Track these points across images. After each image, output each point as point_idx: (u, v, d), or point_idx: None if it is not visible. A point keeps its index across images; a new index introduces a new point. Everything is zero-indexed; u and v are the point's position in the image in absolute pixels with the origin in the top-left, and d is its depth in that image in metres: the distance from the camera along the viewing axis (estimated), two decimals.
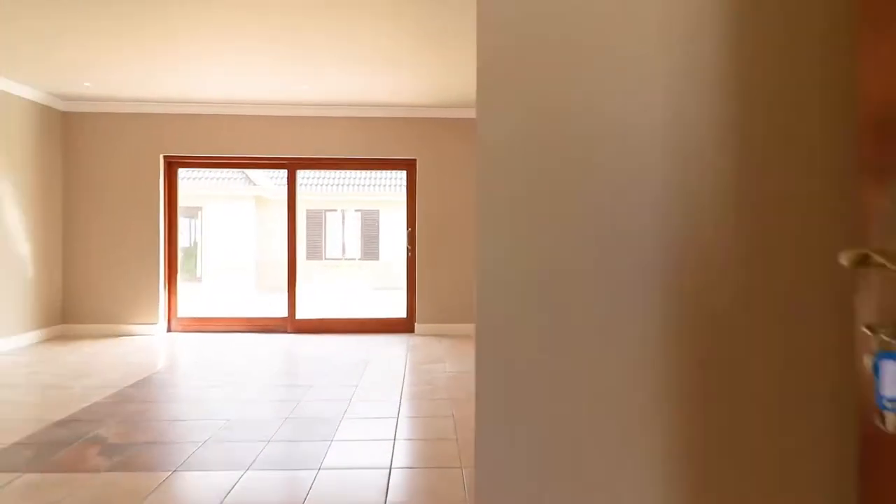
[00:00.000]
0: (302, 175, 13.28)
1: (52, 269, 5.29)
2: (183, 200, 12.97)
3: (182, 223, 14.14)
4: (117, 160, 5.43)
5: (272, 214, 12.61)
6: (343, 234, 13.53)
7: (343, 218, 13.54)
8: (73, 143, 5.40)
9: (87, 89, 4.89)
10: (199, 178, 12.06)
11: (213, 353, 4.63)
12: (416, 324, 5.62)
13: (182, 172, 12.80)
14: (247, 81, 4.65)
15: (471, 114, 5.56)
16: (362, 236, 13.53)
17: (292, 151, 5.55)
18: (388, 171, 13.76)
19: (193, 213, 12.65)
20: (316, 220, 13.37)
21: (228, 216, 12.27)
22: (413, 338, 5.44)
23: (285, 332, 5.68)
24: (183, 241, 13.46)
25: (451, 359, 4.47)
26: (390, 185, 12.96)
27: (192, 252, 13.07)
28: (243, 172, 12.12)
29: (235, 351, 4.75)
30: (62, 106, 5.33)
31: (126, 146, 5.42)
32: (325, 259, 13.37)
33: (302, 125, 5.54)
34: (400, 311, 6.04)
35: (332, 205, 13.23)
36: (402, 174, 5.92)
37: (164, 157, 5.52)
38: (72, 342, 5.06)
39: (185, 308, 6.01)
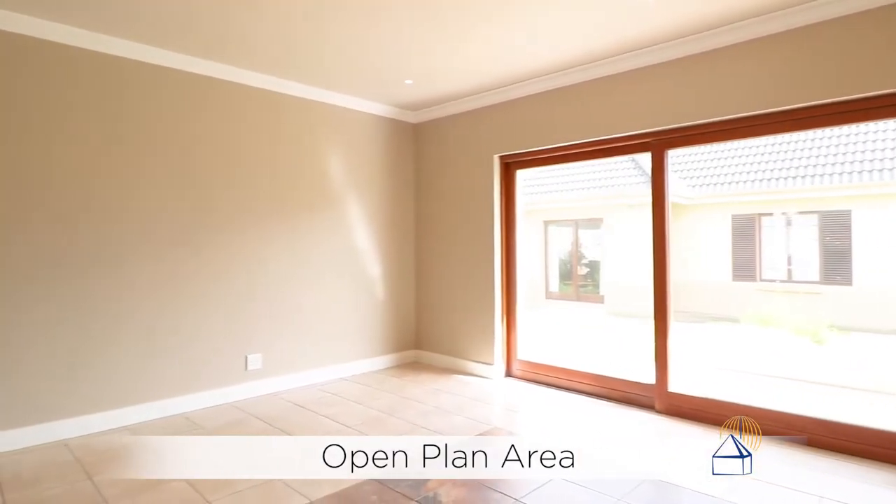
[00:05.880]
0: (711, 167, 10.21)
1: (406, 293, 5.01)
2: (584, 211, 12.22)
3: (587, 236, 13.46)
4: (454, 169, 4.70)
5: (683, 222, 10.24)
6: (788, 247, 9.68)
7: (788, 224, 9.71)
8: (421, 156, 5.01)
9: (419, 92, 4.30)
10: (598, 187, 10.96)
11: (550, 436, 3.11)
12: None
13: (568, 179, 11.92)
14: (569, 24, 2.94)
15: None
16: (822, 249, 9.32)
17: (654, 121, 3.45)
18: (866, 135, 8.67)
19: (596, 224, 11.70)
20: (746, 228, 10.09)
21: (631, 226, 10.66)
22: None
23: (651, 408, 3.59)
24: (589, 254, 12.71)
25: None
26: (868, 164, 8.32)
27: (595, 267, 12.16)
28: (644, 174, 10.24)
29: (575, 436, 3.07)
30: (401, 115, 5.02)
31: (462, 152, 4.62)
32: (760, 281, 9.88)
33: (665, 76, 3.37)
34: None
35: (765, 206, 9.64)
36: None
37: (500, 157, 4.43)
38: (414, 374, 4.57)
39: (531, 347, 4.72)
